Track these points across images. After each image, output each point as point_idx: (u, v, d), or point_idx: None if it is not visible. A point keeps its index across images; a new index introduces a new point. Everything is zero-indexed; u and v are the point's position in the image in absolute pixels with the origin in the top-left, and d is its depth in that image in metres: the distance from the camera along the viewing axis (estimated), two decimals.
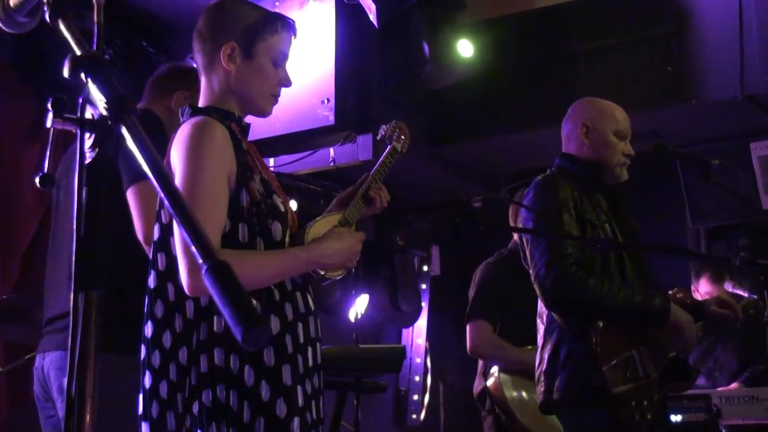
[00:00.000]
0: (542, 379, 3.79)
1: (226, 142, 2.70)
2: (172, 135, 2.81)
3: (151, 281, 2.74)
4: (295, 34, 2.94)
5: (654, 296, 3.70)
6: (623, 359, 3.63)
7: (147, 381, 2.69)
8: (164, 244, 2.71)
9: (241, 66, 2.83)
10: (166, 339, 2.68)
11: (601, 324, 3.62)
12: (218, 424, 2.56)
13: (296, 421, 2.64)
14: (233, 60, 2.83)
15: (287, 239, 2.78)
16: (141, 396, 2.72)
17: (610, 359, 3.60)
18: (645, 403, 3.63)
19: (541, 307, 3.89)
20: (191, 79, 3.73)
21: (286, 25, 2.90)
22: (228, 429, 2.56)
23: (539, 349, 3.86)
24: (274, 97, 2.92)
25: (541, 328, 3.89)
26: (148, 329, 2.71)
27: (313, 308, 2.84)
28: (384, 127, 3.41)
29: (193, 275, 2.53)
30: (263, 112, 2.92)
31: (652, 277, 3.94)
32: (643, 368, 3.67)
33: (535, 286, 3.75)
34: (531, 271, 3.78)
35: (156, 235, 2.77)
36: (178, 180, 2.64)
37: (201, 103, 2.88)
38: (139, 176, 3.16)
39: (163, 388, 2.66)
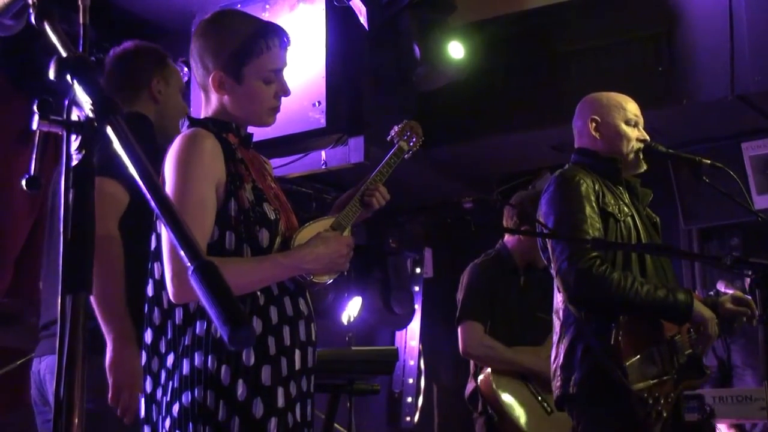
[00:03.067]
0: (558, 373, 3.76)
1: (214, 153, 2.75)
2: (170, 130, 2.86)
3: (149, 289, 2.80)
4: (287, 44, 2.92)
5: (677, 291, 3.69)
6: (643, 356, 3.63)
7: (148, 386, 2.75)
8: (160, 253, 2.74)
9: (233, 91, 2.86)
10: (162, 345, 2.74)
11: (623, 319, 3.61)
12: (195, 424, 2.60)
13: (273, 421, 2.67)
14: (223, 87, 2.86)
15: (276, 246, 2.79)
16: (143, 400, 2.78)
17: (631, 356, 3.59)
18: (662, 400, 3.63)
19: (557, 302, 3.86)
20: (162, 60, 3.73)
21: (275, 40, 2.88)
22: (204, 428, 2.60)
23: (554, 345, 3.84)
24: (273, 110, 2.94)
25: (557, 324, 3.87)
26: (148, 336, 2.77)
27: (305, 313, 2.86)
28: (396, 127, 3.42)
29: (177, 281, 2.59)
30: (265, 125, 2.96)
31: (672, 273, 3.93)
32: (661, 366, 3.67)
33: (557, 281, 3.72)
34: (552, 265, 3.76)
35: (153, 244, 2.82)
36: (167, 191, 2.69)
37: (202, 115, 2.92)
38: (100, 172, 3.14)
39: (159, 393, 2.72)
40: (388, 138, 3.41)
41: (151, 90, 3.65)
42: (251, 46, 2.83)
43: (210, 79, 2.84)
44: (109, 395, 3.07)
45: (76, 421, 1.40)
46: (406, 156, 3.38)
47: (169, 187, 2.69)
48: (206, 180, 2.70)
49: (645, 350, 3.65)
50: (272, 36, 2.87)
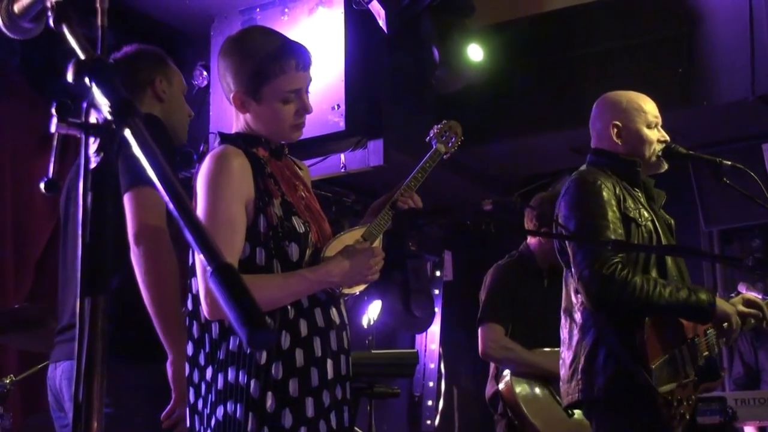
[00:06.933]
0: (578, 377, 3.71)
1: (243, 171, 2.79)
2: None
3: (189, 304, 2.86)
4: (308, 64, 2.92)
5: (699, 291, 3.67)
6: (667, 358, 3.62)
7: (191, 397, 2.82)
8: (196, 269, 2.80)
9: (254, 110, 2.89)
10: (201, 358, 2.80)
11: (647, 322, 3.59)
12: None
13: (303, 430, 2.73)
14: (245, 107, 2.89)
15: (307, 258, 2.83)
16: (188, 410, 2.85)
17: (656, 358, 3.58)
18: (685, 403, 3.62)
19: (569, 303, 3.83)
20: (163, 60, 3.73)
21: (290, 62, 2.86)
22: None
23: (570, 347, 3.79)
24: (297, 126, 2.95)
25: (565, 326, 3.84)
26: (189, 348, 2.84)
27: (338, 322, 2.91)
28: (435, 127, 3.38)
29: (210, 299, 2.65)
30: (290, 140, 2.99)
31: (687, 276, 3.91)
32: (683, 368, 3.66)
33: (579, 287, 3.66)
34: (573, 271, 3.71)
35: (191, 260, 2.88)
36: (198, 211, 2.74)
37: (233, 129, 2.97)
38: (139, 181, 3.14)
39: (200, 404, 2.80)
40: (427, 139, 3.37)
41: (155, 89, 3.63)
42: (266, 69, 2.84)
43: (232, 98, 2.89)
44: (169, 407, 3.08)
45: (95, 424, 1.39)
46: (444, 157, 3.35)
47: (200, 208, 2.74)
48: (235, 199, 2.74)
49: (669, 352, 3.64)
50: (288, 58, 2.86)
